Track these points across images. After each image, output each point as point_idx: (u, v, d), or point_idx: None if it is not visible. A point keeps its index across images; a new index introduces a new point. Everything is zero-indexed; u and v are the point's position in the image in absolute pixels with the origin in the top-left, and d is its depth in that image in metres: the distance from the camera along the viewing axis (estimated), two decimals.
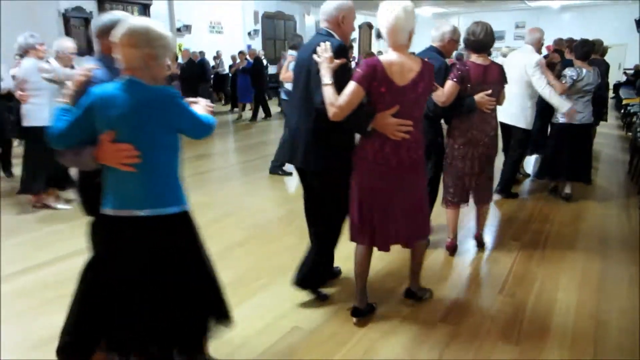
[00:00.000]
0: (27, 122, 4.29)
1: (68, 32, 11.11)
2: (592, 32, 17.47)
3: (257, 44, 15.62)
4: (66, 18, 11.02)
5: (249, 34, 15.41)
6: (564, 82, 4.29)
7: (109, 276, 1.80)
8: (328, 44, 2.29)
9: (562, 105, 4.28)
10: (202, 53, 12.13)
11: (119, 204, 1.75)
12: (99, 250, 1.92)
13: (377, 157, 2.33)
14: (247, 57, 11.40)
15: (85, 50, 11.46)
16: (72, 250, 3.38)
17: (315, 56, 2.31)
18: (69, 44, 4.36)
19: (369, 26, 22.17)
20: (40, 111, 4.18)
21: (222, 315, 1.99)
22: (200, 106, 1.97)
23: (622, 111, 10.07)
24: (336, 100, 2.19)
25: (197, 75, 10.99)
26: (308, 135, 2.45)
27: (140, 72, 1.69)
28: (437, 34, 3.29)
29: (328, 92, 2.22)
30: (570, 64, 4.53)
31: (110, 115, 1.68)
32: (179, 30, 13.10)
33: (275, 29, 16.85)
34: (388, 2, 2.27)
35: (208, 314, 1.97)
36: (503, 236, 3.88)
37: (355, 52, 20.53)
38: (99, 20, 1.96)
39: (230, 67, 12.70)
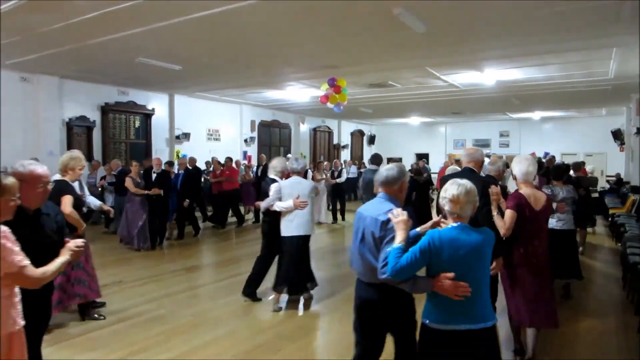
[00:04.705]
0: (284, 233, 4.92)
1: (70, 140, 11.54)
2: (571, 141, 18.59)
3: (252, 150, 16.23)
4: (69, 126, 11.49)
5: (245, 140, 16.08)
6: None
7: None
8: (493, 185, 3.46)
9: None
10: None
11: (448, 320, 2.22)
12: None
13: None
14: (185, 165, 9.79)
15: (86, 157, 11.84)
16: None
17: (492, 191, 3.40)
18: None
19: (361, 133, 23.28)
20: (292, 224, 4.90)
21: None
22: None
23: (610, 220, 10.19)
24: (505, 225, 3.31)
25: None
26: None
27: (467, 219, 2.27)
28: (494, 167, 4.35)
29: (498, 219, 3.34)
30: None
31: (453, 254, 2.18)
32: (177, 138, 13.67)
33: (271, 136, 17.64)
34: (524, 156, 3.68)
35: None
36: None
37: (347, 156, 21.32)
38: (388, 170, 2.58)
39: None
